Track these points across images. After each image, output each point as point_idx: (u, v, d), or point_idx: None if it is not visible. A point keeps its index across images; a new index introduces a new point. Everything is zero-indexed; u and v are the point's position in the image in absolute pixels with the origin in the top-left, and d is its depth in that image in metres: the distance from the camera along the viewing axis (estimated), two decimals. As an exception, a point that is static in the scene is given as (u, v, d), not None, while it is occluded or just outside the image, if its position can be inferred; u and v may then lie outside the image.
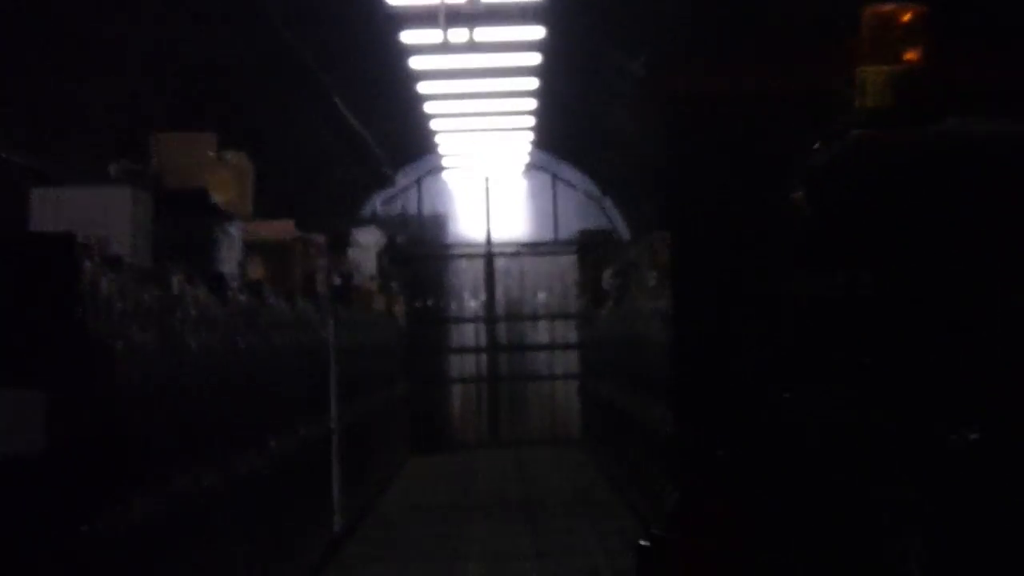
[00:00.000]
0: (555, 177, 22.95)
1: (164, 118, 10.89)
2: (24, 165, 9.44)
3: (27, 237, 6.43)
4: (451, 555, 12.81)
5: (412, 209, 23.18)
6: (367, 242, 18.37)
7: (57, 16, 9.73)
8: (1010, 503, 4.91)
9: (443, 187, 23.17)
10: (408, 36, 14.18)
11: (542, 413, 22.97)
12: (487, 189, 23.09)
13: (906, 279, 5.21)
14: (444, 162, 22.35)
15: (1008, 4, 6.25)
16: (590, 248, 20.51)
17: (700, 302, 6.78)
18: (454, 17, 13.57)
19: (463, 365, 23.04)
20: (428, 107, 17.74)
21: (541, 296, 23.06)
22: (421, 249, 22.89)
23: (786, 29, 6.58)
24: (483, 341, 23.00)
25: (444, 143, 20.65)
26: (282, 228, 11.50)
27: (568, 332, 22.75)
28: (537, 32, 14.25)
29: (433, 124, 19.01)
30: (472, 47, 14.47)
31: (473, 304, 23.10)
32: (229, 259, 8.88)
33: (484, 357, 23.00)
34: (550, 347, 23.00)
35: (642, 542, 6.52)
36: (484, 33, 14.14)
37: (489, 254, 23.04)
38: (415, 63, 15.24)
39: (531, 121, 19.15)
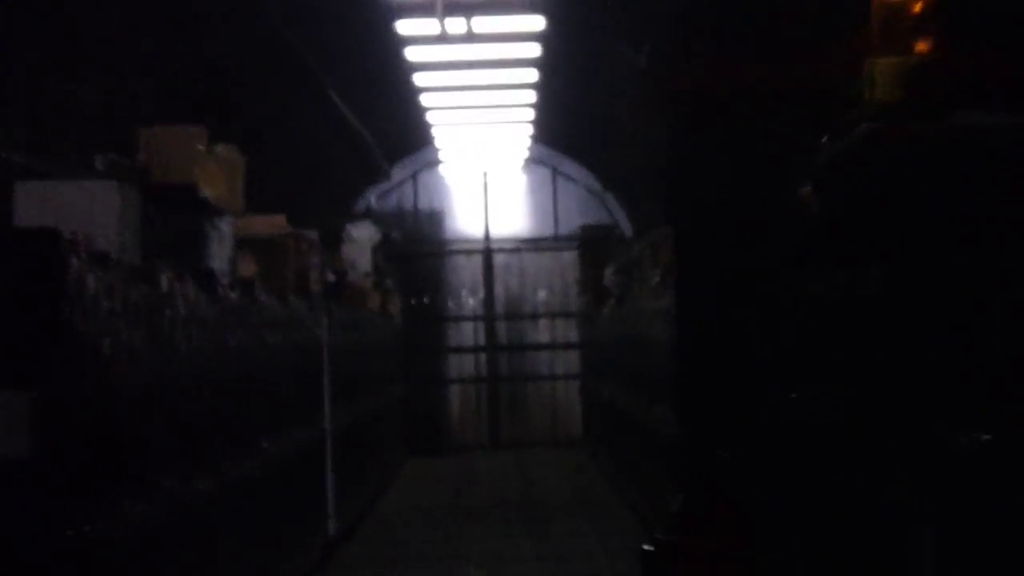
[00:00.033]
0: (555, 172, 22.95)
1: (153, 112, 10.88)
2: (7, 158, 9.44)
3: (11, 232, 6.42)
4: (450, 559, 12.82)
5: (408, 204, 23.18)
6: (362, 238, 18.36)
7: (47, 10, 9.73)
8: (1021, 505, 4.91)
9: (440, 182, 23.16)
10: (404, 26, 14.17)
11: (542, 414, 22.97)
12: (485, 184, 23.09)
13: (916, 277, 5.21)
14: (441, 156, 22.35)
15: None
16: (591, 245, 20.51)
17: (704, 301, 6.78)
18: (452, 7, 13.57)
19: (461, 365, 23.04)
20: (425, 99, 17.73)
21: (541, 294, 23.06)
22: (418, 245, 22.89)
23: (792, 20, 6.58)
24: (482, 340, 23.01)
25: (441, 136, 20.65)
26: (274, 223, 11.49)
27: (569, 331, 22.76)
28: (537, 22, 14.25)
29: (430, 117, 19.00)
30: (470, 37, 14.46)
31: (471, 302, 23.10)
32: (219, 255, 8.88)
33: (483, 357, 23.01)
34: (551, 346, 23.00)
35: (645, 546, 6.53)
36: (482, 23, 14.14)
37: (488, 250, 23.04)
38: (411, 54, 15.23)
39: (531, 114, 19.14)
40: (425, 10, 13.69)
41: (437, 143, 21.20)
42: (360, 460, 15.28)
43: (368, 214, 21.97)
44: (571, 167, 22.77)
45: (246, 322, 9.26)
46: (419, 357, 22.40)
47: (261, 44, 13.08)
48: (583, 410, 22.03)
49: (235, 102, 13.29)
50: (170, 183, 8.50)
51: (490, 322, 23.00)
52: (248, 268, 10.20)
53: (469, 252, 23.04)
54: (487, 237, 23.05)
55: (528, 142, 21.53)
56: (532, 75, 16.59)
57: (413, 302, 22.68)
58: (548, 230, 23.04)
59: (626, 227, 22.06)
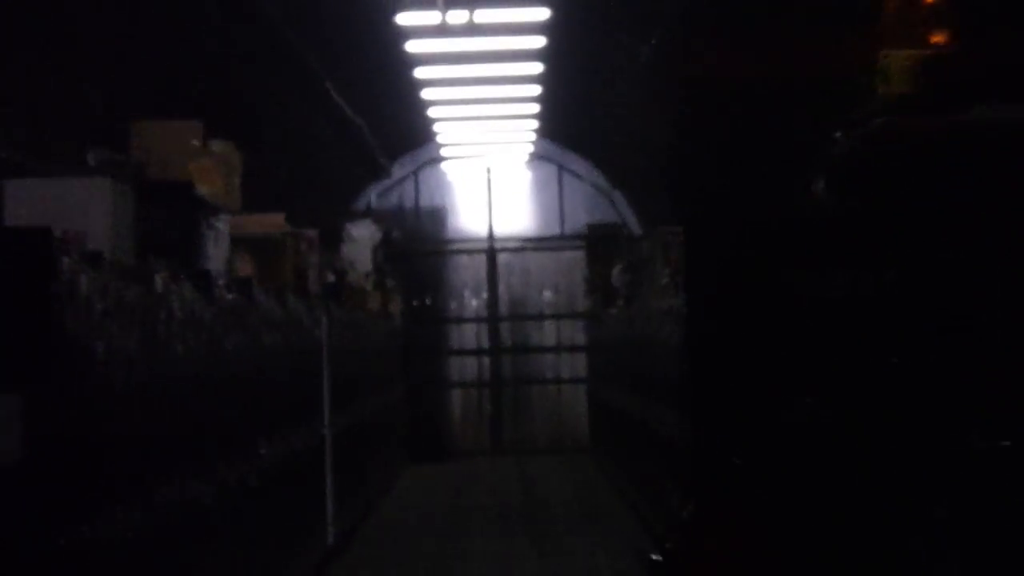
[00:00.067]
0: (561, 168, 22.96)
1: (145, 105, 10.90)
2: (-2, 156, 9.45)
3: (0, 231, 6.44)
4: (450, 569, 12.83)
5: (409, 202, 23.19)
6: (362, 237, 18.38)
7: (40, 3, 9.74)
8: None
9: (442, 178, 23.18)
10: (404, 18, 14.18)
11: (548, 419, 22.98)
12: (489, 180, 23.10)
13: (935, 277, 5.22)
14: (443, 152, 22.36)
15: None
16: (598, 243, 20.51)
17: (714, 301, 6.79)
18: (453, -2, 13.60)
19: (464, 368, 23.06)
20: (426, 94, 17.75)
21: (547, 294, 23.07)
22: (419, 244, 22.90)
23: (804, 11, 6.59)
24: (485, 342, 23.02)
25: (443, 132, 20.66)
26: (272, 222, 11.51)
27: (575, 333, 22.76)
28: (541, 13, 14.26)
29: (431, 112, 19.02)
30: (472, 29, 14.47)
31: (474, 303, 23.11)
32: (215, 255, 8.89)
33: (486, 359, 23.02)
34: (556, 349, 23.01)
35: (654, 556, 6.54)
36: (485, 14, 14.15)
37: (491, 250, 23.05)
38: (412, 47, 15.25)
39: (535, 108, 19.15)
40: (426, 2, 13.71)
41: (439, 139, 21.21)
42: (360, 465, 15.29)
43: (368, 212, 21.98)
44: (577, 163, 22.78)
45: (243, 324, 9.27)
46: (420, 359, 22.42)
47: (258, 38, 13.10)
48: (590, 415, 22.03)
49: (231, 97, 13.31)
50: (165, 180, 8.53)
51: (493, 323, 23.01)
52: (245, 268, 10.22)
53: (472, 251, 23.05)
54: (491, 236, 23.06)
55: (533, 137, 21.54)
56: (537, 68, 16.60)
57: (414, 303, 22.69)
58: (554, 228, 23.05)
59: (634, 225, 22.07)
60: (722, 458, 6.68)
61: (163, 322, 7.29)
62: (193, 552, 7.74)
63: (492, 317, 23.02)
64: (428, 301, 23.01)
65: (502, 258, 23.06)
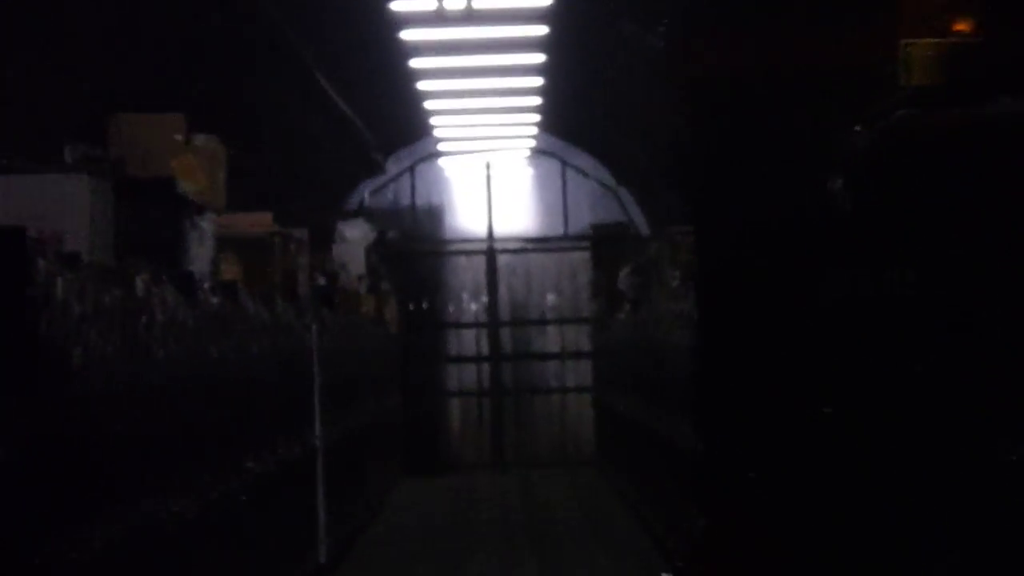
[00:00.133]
0: (565, 164, 22.98)
1: (125, 97, 10.91)
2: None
3: (-27, 232, 6.45)
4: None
5: (405, 200, 23.21)
6: (355, 237, 18.40)
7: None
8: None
9: (439, 175, 23.19)
10: (399, 4, 14.20)
11: (551, 430, 22.98)
12: (489, 177, 23.12)
13: (958, 278, 5.23)
14: (440, 147, 22.38)
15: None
16: (604, 244, 20.52)
17: (727, 305, 6.81)
18: (450, -16, 13.61)
19: (462, 376, 23.07)
20: (422, 85, 17.77)
21: (550, 298, 23.08)
22: (415, 245, 22.91)
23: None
24: (485, 349, 23.03)
25: (440, 126, 20.68)
26: (259, 221, 11.53)
27: (580, 338, 22.77)
28: (543, 0, 14.27)
29: (428, 104, 19.03)
30: (471, 17, 14.48)
31: (473, 307, 23.13)
32: (200, 256, 8.91)
33: (486, 367, 23.03)
34: (560, 356, 23.02)
35: (664, 575, 6.56)
36: (484, 1, 14.16)
37: (491, 250, 23.07)
38: (407, 35, 15.27)
39: (537, 101, 19.17)
40: (422, -12, 13.74)
41: (436, 133, 21.22)
42: (353, 479, 15.30)
43: (361, 211, 22.00)
44: (582, 159, 22.79)
45: (229, 329, 9.29)
46: (416, 367, 22.43)
47: (244, 26, 13.11)
48: (596, 425, 22.04)
49: (216, 89, 13.32)
50: (145, 176, 8.54)
51: (494, 329, 23.02)
52: (231, 270, 10.23)
53: (471, 252, 23.07)
54: (491, 236, 23.07)
55: (535, 131, 21.56)
56: (539, 58, 16.61)
57: (410, 307, 22.71)
58: (557, 228, 23.06)
59: (642, 225, 22.08)
60: (736, 470, 6.69)
61: (144, 327, 7.31)
62: (174, 571, 7.75)
63: (492, 322, 23.03)
64: (425, 305, 23.02)
65: (502, 259, 23.07)
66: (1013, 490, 5.08)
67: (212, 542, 8.56)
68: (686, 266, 12.15)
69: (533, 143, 22.36)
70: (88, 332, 6.39)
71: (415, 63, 16.55)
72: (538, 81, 17.89)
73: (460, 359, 23.07)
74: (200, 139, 9.30)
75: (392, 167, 22.77)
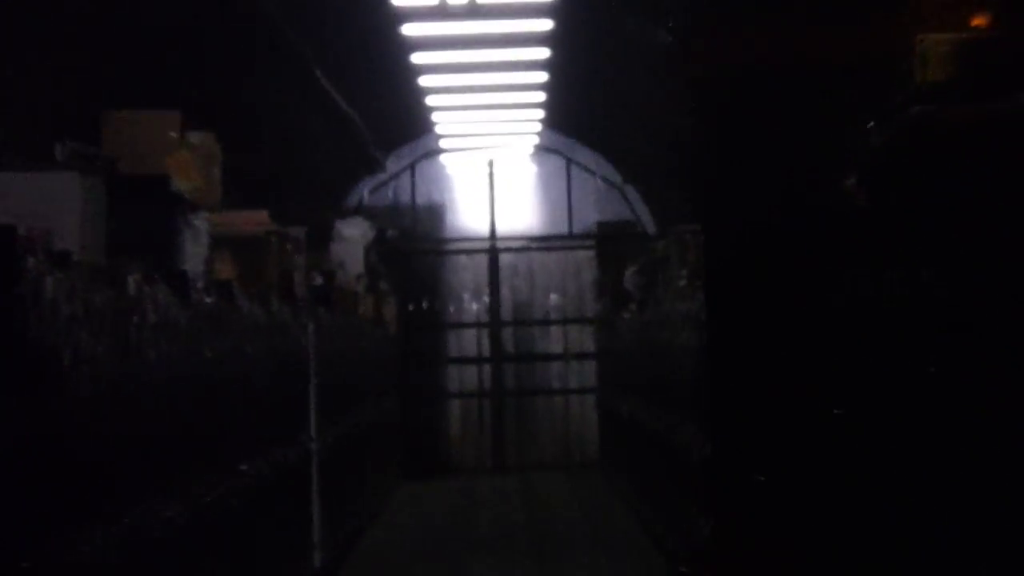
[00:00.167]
0: (569, 161, 22.97)
1: (118, 94, 10.89)
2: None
3: (-39, 230, 6.43)
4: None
5: (405, 198, 23.20)
6: (353, 236, 18.38)
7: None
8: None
9: (440, 172, 23.18)
10: (400, -1, 14.20)
11: (554, 433, 22.97)
12: (491, 175, 23.11)
13: (976, 277, 5.20)
14: (442, 144, 22.37)
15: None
16: (610, 243, 20.50)
17: (736, 305, 6.78)
18: (453, -23, 13.59)
19: (463, 377, 23.06)
20: (423, 81, 17.75)
21: (553, 298, 23.07)
22: (415, 244, 22.90)
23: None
24: (486, 350, 23.02)
25: (442, 122, 20.66)
26: (255, 220, 11.51)
27: (584, 339, 22.76)
28: (548, -6, 14.27)
29: (429, 100, 19.02)
30: (474, 11, 14.47)
31: (475, 307, 23.11)
32: (194, 255, 8.89)
33: (488, 368, 23.02)
34: (563, 357, 23.01)
35: (670, 581, 6.53)
36: (487, -5, 14.16)
37: (493, 249, 23.06)
38: (408, 30, 15.25)
39: (542, 97, 19.16)
40: (423, -19, 13.72)
41: (437, 130, 21.21)
42: (350, 483, 15.28)
43: (360, 209, 22.00)
44: (587, 156, 22.78)
45: (223, 330, 9.27)
46: (416, 368, 22.42)
47: (239, 19, 13.09)
48: (600, 428, 22.03)
49: (211, 85, 13.30)
50: (139, 174, 8.52)
51: (495, 329, 23.01)
52: (226, 269, 10.22)
53: (473, 251, 23.06)
54: (493, 234, 23.06)
55: (539, 128, 21.54)
56: (543, 53, 16.60)
57: (410, 307, 22.70)
58: (561, 226, 23.05)
59: (649, 223, 22.07)
60: (744, 475, 6.67)
61: (136, 328, 7.28)
62: (169, 578, 7.73)
63: (494, 322, 23.02)
64: (425, 305, 23.01)
65: (505, 258, 23.06)
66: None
67: (204, 548, 8.53)
68: (694, 265, 12.13)
69: (537, 140, 22.35)
70: (78, 333, 6.37)
71: (416, 58, 16.54)
72: (542, 76, 17.87)
73: (461, 360, 23.05)
74: (195, 136, 9.29)
75: (392, 165, 22.76)
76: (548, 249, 23.02)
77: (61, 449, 6.17)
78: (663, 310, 14.02)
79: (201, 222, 9.08)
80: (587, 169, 22.95)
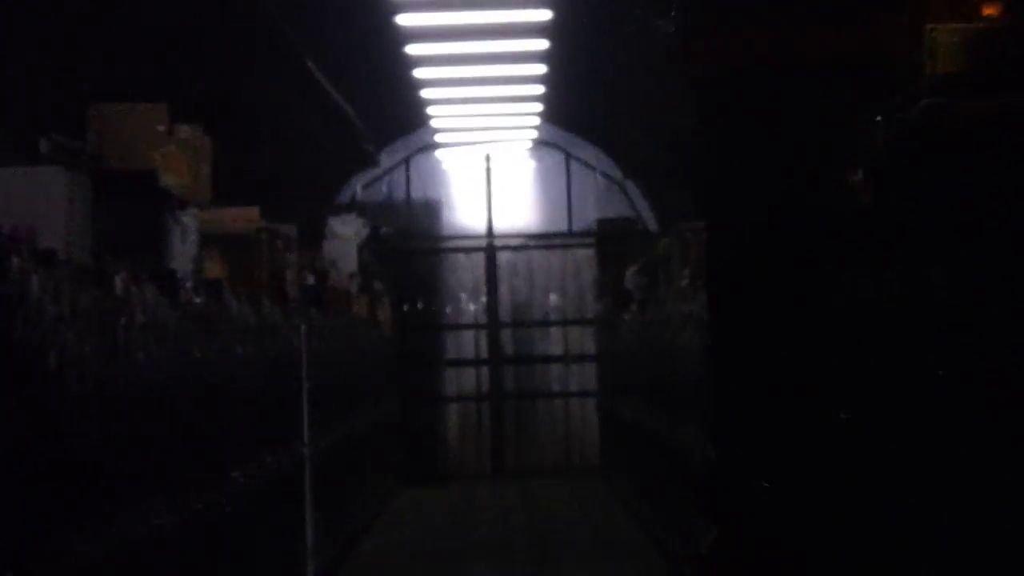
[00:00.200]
0: (568, 156, 22.97)
1: (103, 86, 10.90)
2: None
3: (-58, 228, 6.43)
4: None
5: (400, 194, 23.20)
6: (346, 234, 18.38)
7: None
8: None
9: (436, 168, 23.18)
10: (394, -11, 14.20)
11: (554, 437, 22.98)
12: (488, 170, 23.11)
13: (986, 277, 5.21)
14: (438, 138, 22.37)
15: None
16: (610, 241, 20.51)
17: (740, 305, 6.79)
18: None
19: (461, 380, 23.06)
20: (419, 73, 17.75)
21: (553, 297, 23.07)
22: (410, 242, 22.90)
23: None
24: (484, 351, 23.02)
25: (438, 116, 20.67)
26: (245, 217, 11.52)
27: (584, 340, 22.76)
28: (547, -16, 14.28)
29: (425, 93, 19.02)
30: (471, 2, 14.47)
31: (472, 307, 23.12)
32: (182, 254, 8.89)
33: (486, 370, 23.02)
34: (564, 359, 23.01)
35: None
36: (484, -15, 14.17)
37: (491, 247, 23.06)
38: (403, 20, 15.25)
39: (540, 90, 19.16)
40: (419, -30, 13.72)
41: (433, 123, 21.21)
42: (344, 489, 15.29)
43: (353, 206, 21.99)
44: (587, 151, 22.78)
45: (213, 331, 9.27)
46: (412, 371, 22.41)
47: (229, 10, 13.09)
48: (601, 432, 22.04)
49: (200, 77, 13.31)
50: (126, 169, 8.53)
51: (494, 330, 23.01)
52: (215, 268, 10.22)
53: (470, 249, 23.06)
54: (490, 232, 23.07)
55: (537, 122, 21.54)
56: (542, 45, 16.60)
57: (405, 307, 22.70)
58: (560, 224, 23.06)
59: (650, 220, 22.07)
60: (749, 478, 6.68)
61: (123, 328, 7.29)
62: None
63: (492, 323, 23.02)
64: (421, 305, 23.01)
65: (503, 257, 23.06)
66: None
67: (191, 557, 8.54)
68: (697, 264, 12.14)
69: (535, 134, 22.35)
70: (64, 333, 6.38)
71: (411, 49, 16.54)
72: (541, 68, 17.88)
73: (458, 362, 23.06)
74: (183, 130, 9.29)
75: (386, 160, 22.75)
76: (547, 247, 23.02)
77: (45, 453, 6.18)
78: (665, 310, 14.04)
79: (190, 219, 9.08)
80: (587, 164, 22.95)
